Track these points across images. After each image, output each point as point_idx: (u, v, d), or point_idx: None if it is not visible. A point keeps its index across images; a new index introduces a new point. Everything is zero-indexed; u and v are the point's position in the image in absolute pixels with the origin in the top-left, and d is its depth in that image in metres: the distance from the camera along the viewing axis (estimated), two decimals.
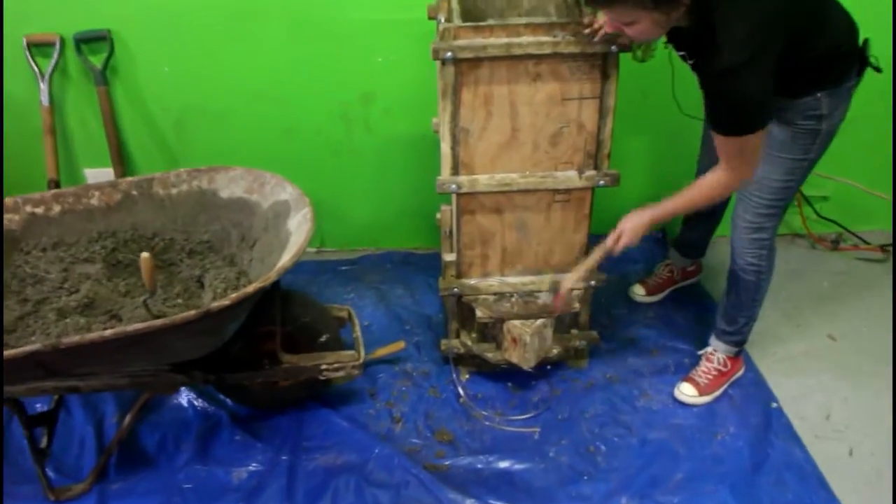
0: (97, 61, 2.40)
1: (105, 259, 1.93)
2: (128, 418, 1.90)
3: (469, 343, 2.16)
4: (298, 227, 1.82)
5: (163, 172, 2.08)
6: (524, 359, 2.05)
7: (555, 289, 1.99)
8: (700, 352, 2.19)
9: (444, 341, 2.20)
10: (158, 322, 1.48)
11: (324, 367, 1.97)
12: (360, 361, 2.00)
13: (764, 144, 1.79)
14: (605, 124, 1.84)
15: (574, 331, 2.17)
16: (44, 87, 2.38)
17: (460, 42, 1.69)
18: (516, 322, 2.02)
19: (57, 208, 2.02)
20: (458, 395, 2.15)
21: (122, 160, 2.51)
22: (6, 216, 1.95)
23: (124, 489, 1.87)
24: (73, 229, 2.01)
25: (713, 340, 2.15)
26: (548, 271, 2.08)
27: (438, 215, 2.17)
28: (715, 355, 2.14)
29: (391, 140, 2.56)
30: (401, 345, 2.26)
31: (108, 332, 1.46)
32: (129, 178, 2.07)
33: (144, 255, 1.51)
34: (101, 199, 2.05)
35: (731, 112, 1.60)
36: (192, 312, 1.52)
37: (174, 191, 2.08)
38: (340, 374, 1.99)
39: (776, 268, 2.01)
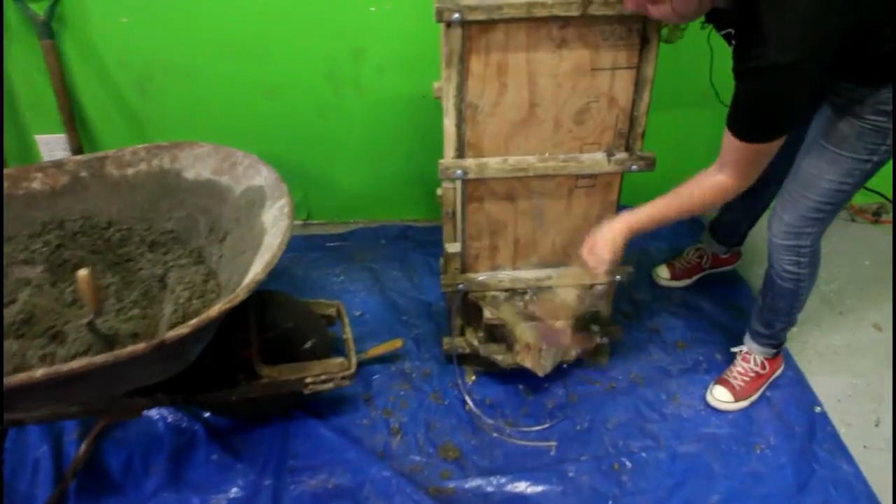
0: (40, 10, 2.05)
1: (48, 259, 1.64)
2: (84, 445, 1.65)
3: (475, 343, 1.90)
4: (274, 224, 1.53)
5: (117, 150, 1.77)
6: (539, 365, 1.80)
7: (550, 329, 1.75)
8: (734, 349, 1.94)
9: (446, 340, 1.95)
10: (99, 359, 1.21)
11: (309, 379, 1.71)
12: (352, 371, 1.75)
13: (820, 133, 1.49)
14: (641, 98, 1.53)
15: (594, 327, 1.91)
16: None
17: (470, 1, 1.36)
18: (529, 326, 1.76)
19: None
20: (464, 402, 1.90)
21: (75, 125, 2.19)
22: None
23: None
24: (12, 219, 1.71)
25: (748, 340, 1.90)
26: (566, 264, 1.80)
27: (439, 191, 1.87)
28: (751, 356, 1.89)
29: (385, 101, 2.23)
30: (398, 343, 2.00)
31: (40, 373, 1.19)
32: (77, 158, 1.76)
33: (82, 272, 1.22)
34: (44, 182, 1.74)
35: (760, 116, 1.31)
36: (142, 346, 1.25)
37: (131, 171, 1.78)
38: (328, 385, 1.74)
39: None
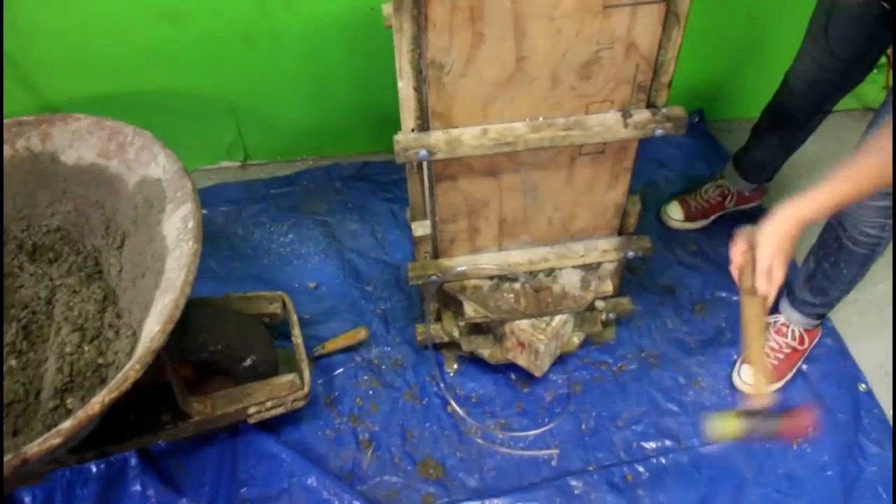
0: None
1: None
2: None
3: (455, 333, 1.56)
4: (177, 245, 1.13)
5: None
6: (535, 365, 1.48)
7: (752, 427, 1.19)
8: (768, 318, 1.62)
9: (419, 328, 1.60)
10: None
11: (252, 409, 1.38)
12: (305, 391, 1.42)
13: None
14: (671, 39, 1.10)
15: (600, 302, 1.57)
16: None
17: None
18: (525, 325, 1.42)
19: None
20: (446, 401, 1.60)
21: None
22: None
23: None
24: None
25: (787, 309, 1.58)
26: (565, 239, 1.43)
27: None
28: (788, 329, 1.58)
29: (324, 18, 1.74)
30: (361, 333, 1.65)
31: None
32: None
33: None
34: None
35: None
36: (54, 437, 0.90)
37: None
38: (277, 411, 1.41)
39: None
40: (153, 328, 1.02)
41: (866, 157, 1.01)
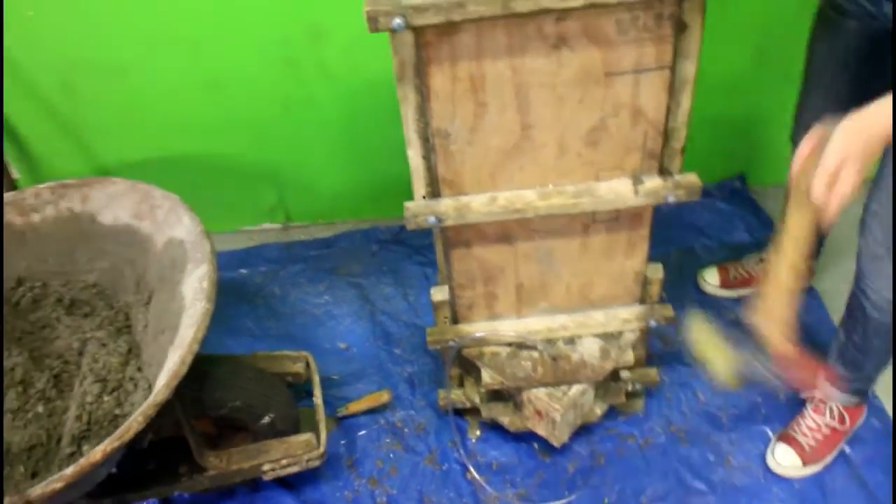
0: None
1: None
2: None
3: (476, 399, 1.54)
4: (192, 304, 1.17)
5: (16, 192, 1.42)
6: (553, 435, 1.44)
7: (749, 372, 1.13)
8: (804, 395, 1.55)
9: (441, 393, 1.59)
10: None
11: (267, 466, 1.39)
12: (320, 451, 1.42)
13: None
14: (679, 106, 1.10)
15: (625, 373, 1.53)
16: None
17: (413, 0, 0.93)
18: (541, 393, 1.39)
19: None
20: (465, 468, 1.57)
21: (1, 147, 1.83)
22: None
23: None
24: None
25: (823, 385, 1.50)
26: (585, 307, 1.41)
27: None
28: (826, 406, 1.49)
29: (357, 86, 1.81)
30: (384, 397, 1.65)
31: None
32: None
33: None
34: None
35: None
36: (56, 482, 0.93)
37: (37, 217, 1.43)
38: (293, 469, 1.42)
39: None
40: (160, 383, 1.06)
41: None
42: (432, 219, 1.18)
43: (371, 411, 1.68)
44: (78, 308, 1.43)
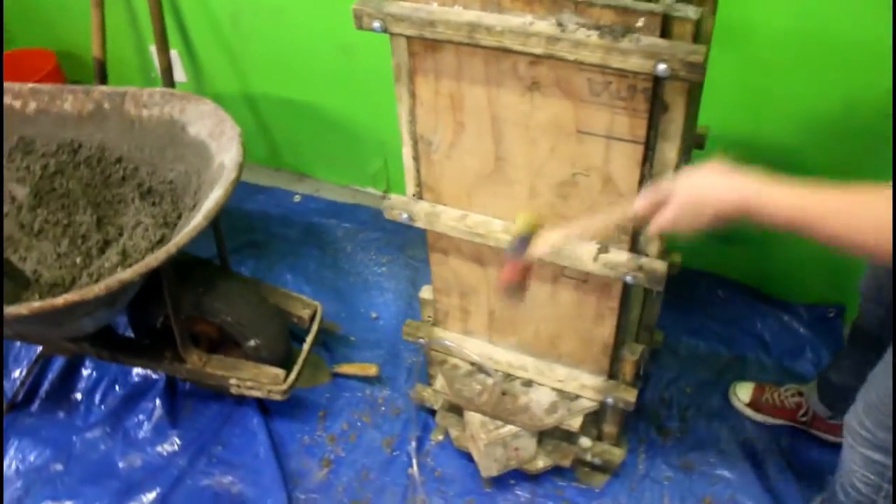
0: None
1: (37, 184, 1.64)
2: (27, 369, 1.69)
3: (436, 405, 1.58)
4: (194, 217, 1.35)
5: (137, 88, 1.70)
6: (483, 464, 1.44)
7: (518, 244, 1.11)
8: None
9: (418, 387, 1.64)
10: None
11: (234, 381, 1.56)
12: (283, 387, 1.55)
13: None
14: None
15: (585, 440, 1.48)
16: None
17: (392, 8, 1.00)
18: (476, 418, 1.40)
19: (33, 105, 1.76)
20: (410, 463, 1.62)
21: (166, 45, 2.13)
22: None
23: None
24: (41, 135, 1.75)
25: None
26: (552, 358, 1.39)
27: None
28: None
29: None
30: (371, 370, 1.74)
31: None
32: (104, 88, 1.73)
33: None
34: (73, 105, 1.74)
35: None
36: (22, 308, 1.18)
37: (145, 113, 1.70)
38: (255, 393, 1.57)
39: None
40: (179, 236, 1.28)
41: (848, 197, 0.75)
42: (404, 216, 1.24)
43: (362, 380, 1.78)
44: (151, 196, 1.68)
